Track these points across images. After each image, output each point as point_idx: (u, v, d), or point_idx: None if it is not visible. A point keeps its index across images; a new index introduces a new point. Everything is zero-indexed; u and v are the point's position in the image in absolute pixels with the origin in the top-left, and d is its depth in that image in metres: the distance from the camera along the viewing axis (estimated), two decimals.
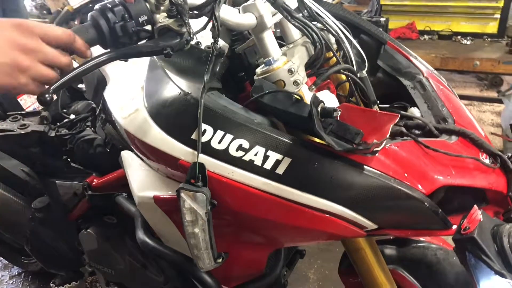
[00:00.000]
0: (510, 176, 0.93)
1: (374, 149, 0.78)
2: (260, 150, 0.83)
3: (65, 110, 1.68)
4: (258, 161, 0.83)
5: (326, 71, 1.00)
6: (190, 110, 0.86)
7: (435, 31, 2.71)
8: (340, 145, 0.77)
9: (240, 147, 0.83)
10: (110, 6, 0.76)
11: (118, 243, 1.47)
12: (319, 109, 0.80)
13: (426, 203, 0.85)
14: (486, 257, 0.76)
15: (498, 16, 2.56)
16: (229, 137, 0.84)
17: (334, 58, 1.07)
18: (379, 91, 1.07)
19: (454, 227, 0.88)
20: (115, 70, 1.14)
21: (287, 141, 0.83)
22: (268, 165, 0.83)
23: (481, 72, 2.62)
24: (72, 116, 1.59)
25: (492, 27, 2.61)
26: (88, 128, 1.49)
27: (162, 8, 0.79)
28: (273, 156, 0.83)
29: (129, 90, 0.99)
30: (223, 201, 0.86)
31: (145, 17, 0.78)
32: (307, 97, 0.93)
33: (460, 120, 0.98)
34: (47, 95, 0.69)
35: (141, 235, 1.09)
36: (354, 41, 1.08)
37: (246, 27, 0.94)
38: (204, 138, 0.84)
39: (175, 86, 0.89)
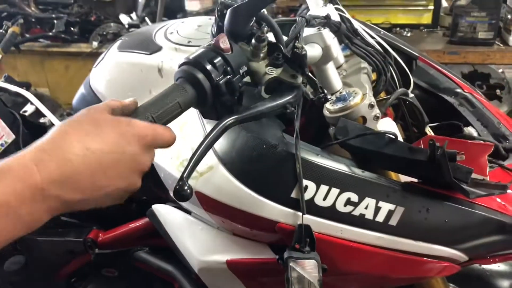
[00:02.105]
0: None
1: (503, 188, 0.74)
2: (370, 202, 0.75)
3: None
4: (369, 215, 0.75)
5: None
6: (284, 165, 0.75)
7: (375, 24, 2.78)
8: (473, 193, 0.71)
9: (348, 201, 0.74)
10: (208, 58, 0.62)
11: None
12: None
13: None
14: None
15: (431, 7, 2.69)
16: (335, 191, 0.74)
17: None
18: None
19: None
20: None
21: (398, 188, 0.76)
22: (380, 218, 0.75)
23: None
24: None
25: (427, 18, 2.73)
26: None
27: (261, 55, 0.66)
28: (385, 207, 0.75)
29: (186, 141, 0.84)
30: (330, 263, 0.76)
31: (245, 68, 0.65)
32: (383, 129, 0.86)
33: None
34: (185, 187, 0.54)
35: None
36: (401, 62, 1.04)
37: (313, 60, 0.84)
38: (306, 196, 0.74)
39: (253, 137, 0.77)
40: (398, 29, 2.68)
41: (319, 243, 0.74)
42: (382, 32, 1.14)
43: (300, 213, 0.74)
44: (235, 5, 0.66)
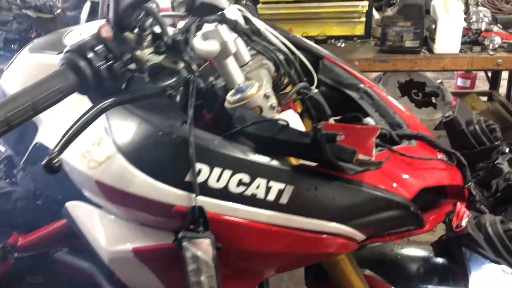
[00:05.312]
0: (464, 170, 1.02)
1: (378, 164, 0.80)
2: (261, 182, 0.79)
3: None
4: (260, 194, 0.80)
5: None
6: (178, 151, 0.79)
7: (311, 36, 2.87)
8: (351, 169, 0.77)
9: (240, 182, 0.79)
10: (89, 45, 0.66)
11: None
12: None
13: (412, 208, 0.90)
14: (481, 249, 0.82)
15: (363, 19, 2.82)
16: (227, 173, 0.79)
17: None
18: None
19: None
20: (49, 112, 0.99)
21: (287, 168, 0.81)
22: (271, 197, 0.80)
23: (361, 71, 2.89)
24: None
25: (359, 30, 2.85)
26: None
27: (145, 44, 0.71)
28: (276, 186, 0.80)
29: (86, 134, 0.86)
30: (227, 242, 0.80)
31: (129, 55, 0.69)
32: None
33: (413, 125, 1.05)
34: (55, 161, 0.57)
35: None
36: (304, 59, 1.10)
37: (211, 55, 0.89)
38: (200, 179, 0.78)
39: (151, 125, 0.81)
40: (333, 40, 2.78)
41: (215, 223, 0.78)
42: (291, 35, 1.20)
43: (194, 195, 0.77)
44: None
